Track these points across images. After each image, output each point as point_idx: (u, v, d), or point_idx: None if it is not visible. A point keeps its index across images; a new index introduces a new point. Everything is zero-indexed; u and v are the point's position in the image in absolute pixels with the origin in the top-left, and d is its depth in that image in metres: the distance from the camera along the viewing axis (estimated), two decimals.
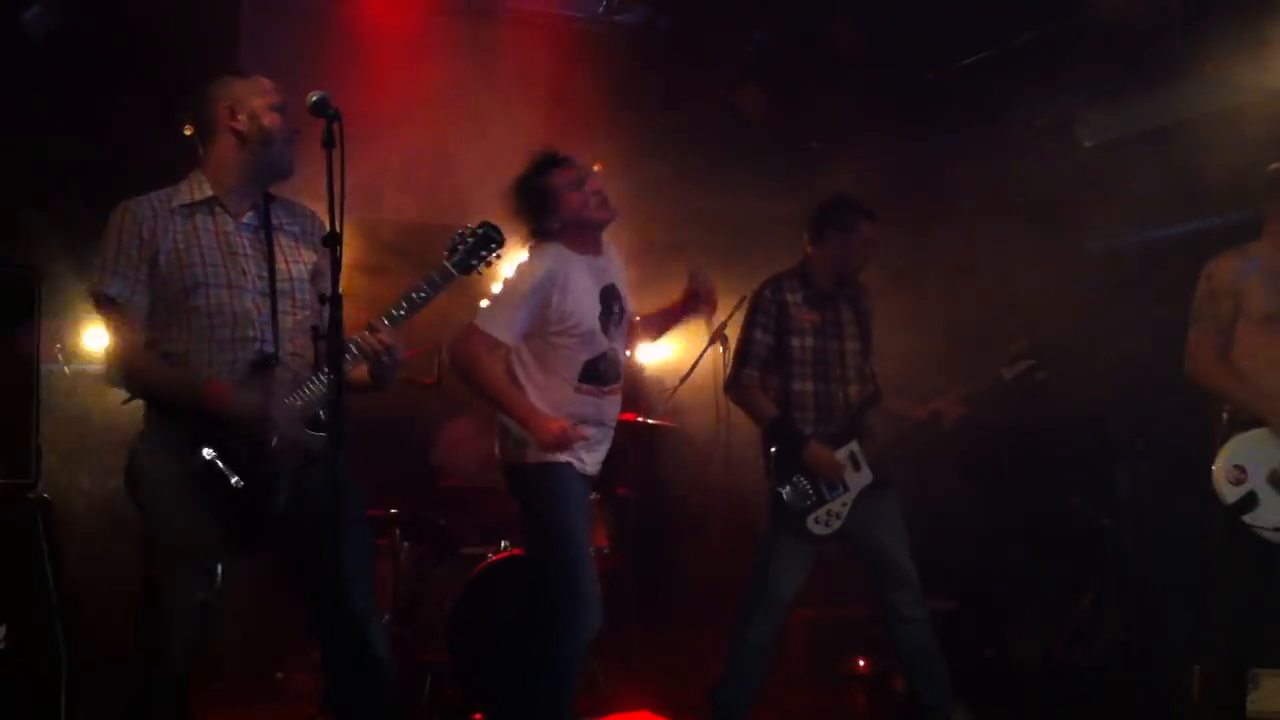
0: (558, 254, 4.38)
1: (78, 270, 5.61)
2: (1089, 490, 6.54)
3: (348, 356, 3.50)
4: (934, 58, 7.09)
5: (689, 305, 4.65)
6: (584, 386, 4.38)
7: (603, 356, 4.41)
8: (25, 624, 3.83)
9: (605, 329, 4.42)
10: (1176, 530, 5.61)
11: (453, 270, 3.72)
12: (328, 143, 3.22)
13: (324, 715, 5.27)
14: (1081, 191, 6.54)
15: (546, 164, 4.48)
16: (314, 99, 3.27)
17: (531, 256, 4.40)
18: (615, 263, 4.59)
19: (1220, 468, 4.54)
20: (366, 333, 3.54)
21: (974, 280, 6.43)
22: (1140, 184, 6.09)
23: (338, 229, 3.27)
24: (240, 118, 3.66)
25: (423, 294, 3.64)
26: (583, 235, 4.45)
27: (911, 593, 5.05)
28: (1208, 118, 6.00)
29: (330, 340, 3.26)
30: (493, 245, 3.80)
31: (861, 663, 6.51)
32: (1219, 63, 5.90)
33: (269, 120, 3.66)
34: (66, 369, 6.13)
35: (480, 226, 3.80)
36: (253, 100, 3.67)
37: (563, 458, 4.32)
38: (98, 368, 6.16)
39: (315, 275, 3.75)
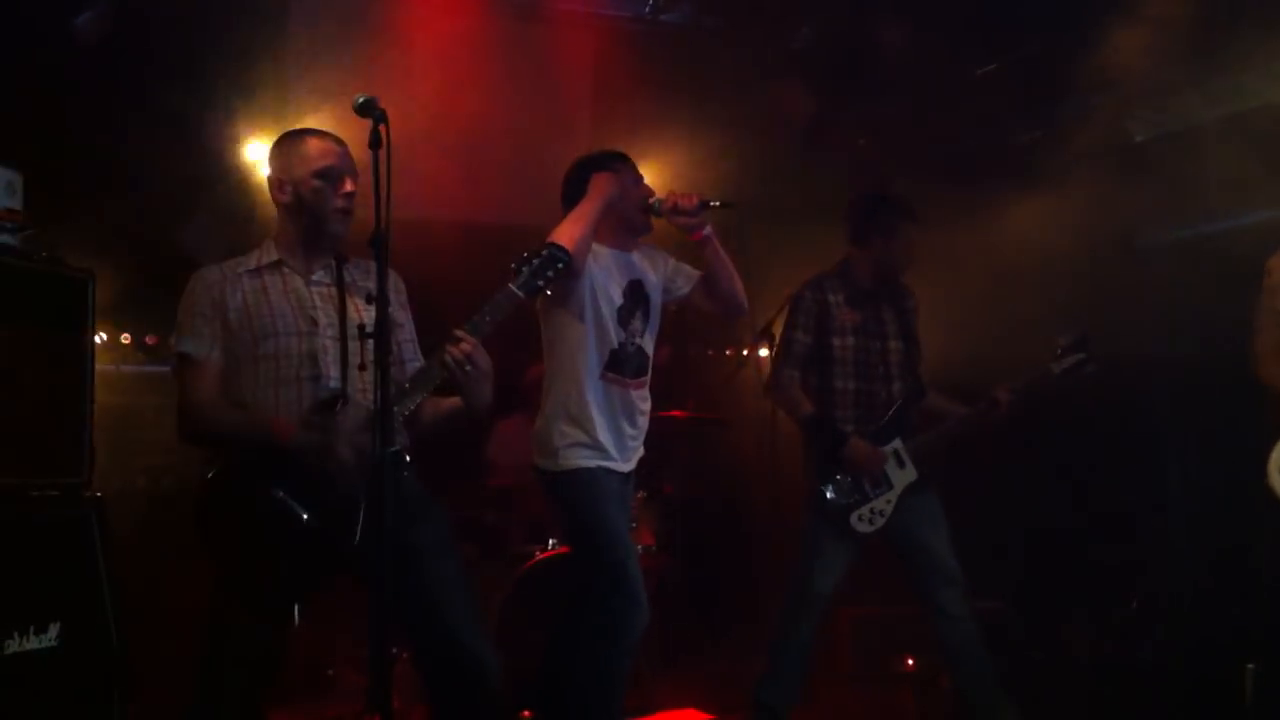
0: None
1: (130, 272, 5.70)
2: (1140, 487, 6.48)
3: (426, 386, 3.54)
4: (981, 52, 7.05)
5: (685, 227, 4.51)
6: (609, 374, 4.42)
7: (621, 347, 4.45)
8: (79, 622, 3.85)
9: (625, 322, 4.46)
10: (1228, 527, 5.55)
11: (518, 293, 3.67)
12: (374, 144, 3.23)
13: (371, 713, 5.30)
14: (1132, 185, 6.48)
15: (613, 155, 4.57)
16: (360, 100, 3.26)
17: None
18: (650, 263, 4.63)
19: (1275, 464, 4.48)
20: (448, 344, 3.53)
21: (1023, 276, 6.39)
22: (1192, 178, 6.03)
23: (383, 230, 3.28)
24: (286, 189, 3.71)
25: (489, 318, 3.61)
26: (618, 230, 4.51)
27: (956, 589, 5.03)
28: (1260, 110, 5.94)
29: (376, 339, 3.26)
30: (559, 264, 3.74)
31: (910, 661, 6.48)
32: (1271, 54, 5.83)
33: (309, 192, 3.68)
34: (120, 369, 6.20)
35: (544, 248, 3.76)
36: (296, 170, 3.70)
37: (594, 462, 4.36)
38: (151, 368, 6.25)
39: (392, 326, 3.71)
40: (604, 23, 7.21)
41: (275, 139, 3.82)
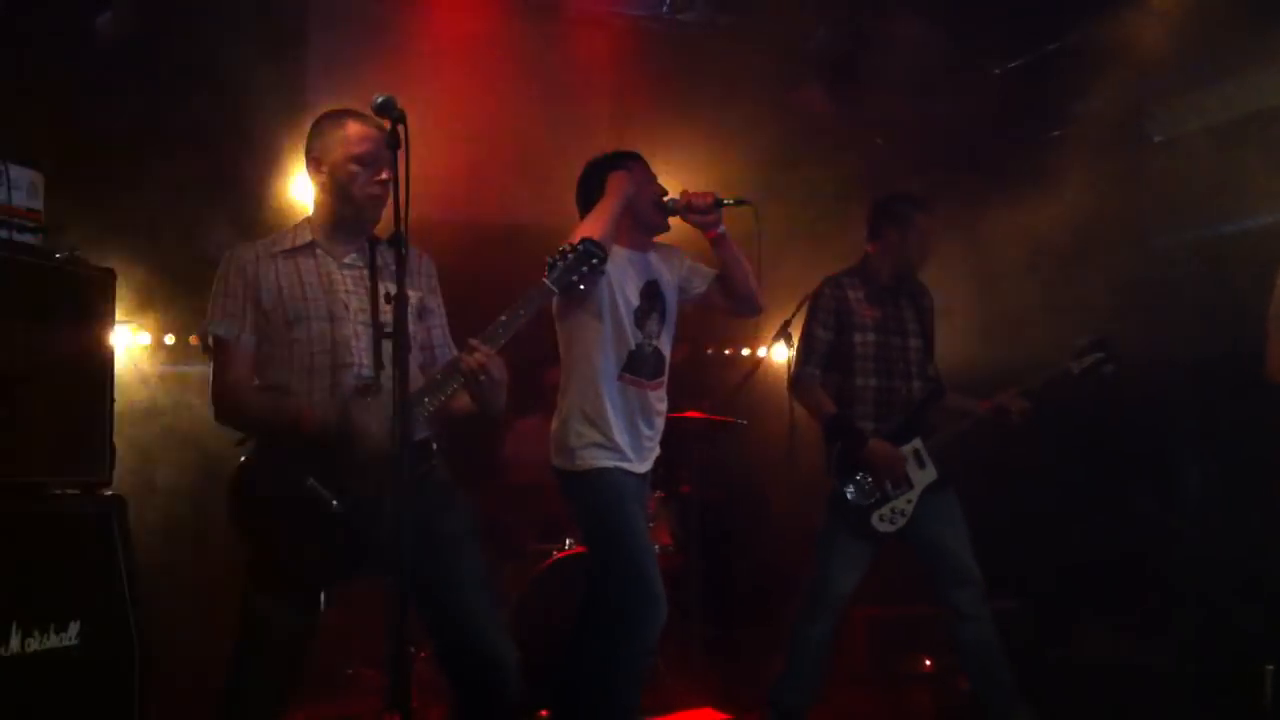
0: None
1: (152, 269, 5.73)
2: (1155, 488, 6.46)
3: (451, 384, 3.56)
4: (1000, 52, 7.04)
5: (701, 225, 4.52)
6: (626, 376, 4.42)
7: (638, 348, 4.44)
8: (99, 621, 3.86)
9: (641, 323, 4.46)
10: (1245, 529, 5.53)
11: (552, 288, 3.70)
12: (393, 143, 3.24)
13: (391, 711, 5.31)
14: (1150, 186, 6.46)
15: (626, 154, 4.57)
16: (379, 100, 3.26)
17: None
18: (666, 264, 4.62)
19: None
20: (464, 354, 3.55)
21: (1038, 275, 6.37)
22: (1210, 178, 6.01)
23: (403, 229, 3.28)
24: (324, 169, 3.71)
25: (521, 314, 3.63)
26: (633, 230, 4.50)
27: (974, 590, 5.01)
28: (1278, 110, 5.92)
29: (395, 338, 3.27)
30: (594, 260, 3.75)
31: (928, 662, 6.46)
32: None
33: (346, 175, 3.68)
34: (140, 367, 6.22)
35: (580, 243, 3.76)
36: (334, 152, 3.69)
37: (611, 462, 4.36)
38: (171, 367, 6.27)
39: (421, 312, 3.79)
40: (621, 22, 7.23)
41: (315, 119, 3.79)
